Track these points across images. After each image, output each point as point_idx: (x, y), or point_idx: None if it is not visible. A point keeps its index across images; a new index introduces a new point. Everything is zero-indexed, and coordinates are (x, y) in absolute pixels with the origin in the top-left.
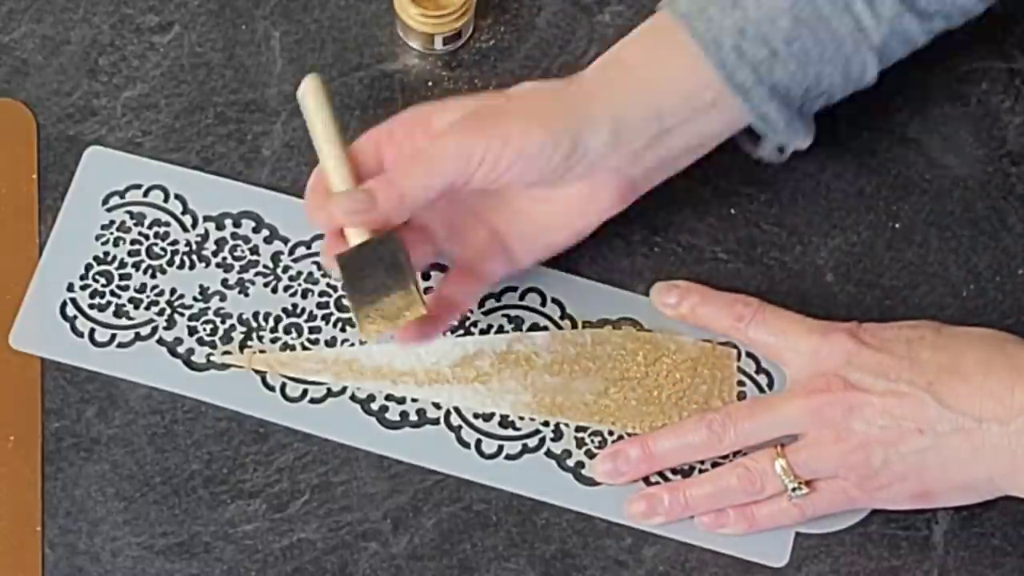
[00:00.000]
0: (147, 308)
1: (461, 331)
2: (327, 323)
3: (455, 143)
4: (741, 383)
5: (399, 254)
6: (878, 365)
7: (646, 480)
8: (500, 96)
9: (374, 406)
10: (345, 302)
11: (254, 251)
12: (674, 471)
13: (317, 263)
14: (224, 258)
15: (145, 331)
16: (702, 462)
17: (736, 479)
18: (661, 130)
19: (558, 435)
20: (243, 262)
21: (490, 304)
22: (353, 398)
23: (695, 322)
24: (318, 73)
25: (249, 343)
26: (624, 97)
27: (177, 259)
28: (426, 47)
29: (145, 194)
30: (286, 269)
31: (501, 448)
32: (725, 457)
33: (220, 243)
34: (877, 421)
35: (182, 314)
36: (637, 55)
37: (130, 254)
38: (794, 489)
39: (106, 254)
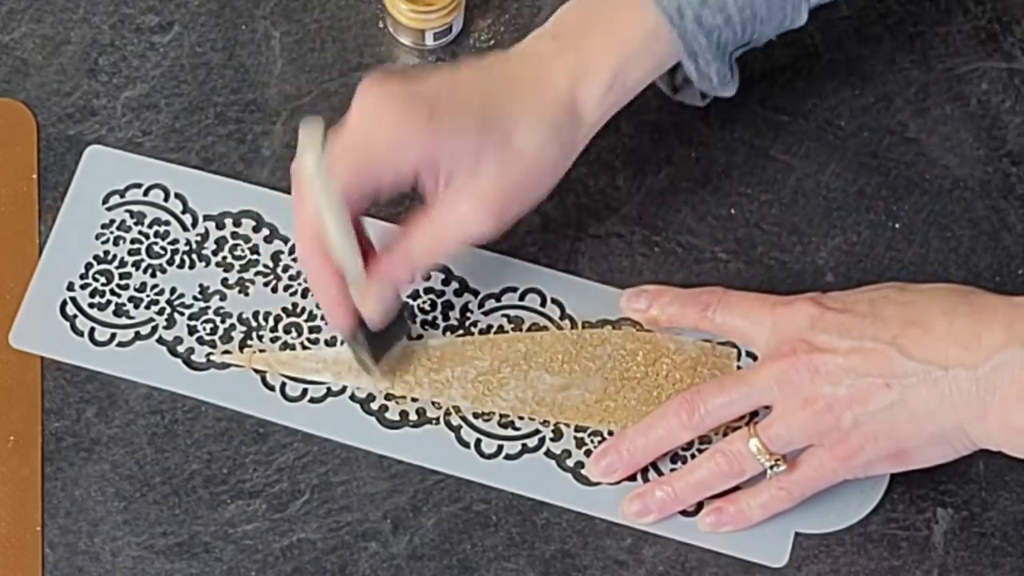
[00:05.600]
0: (147, 307)
1: (461, 331)
2: (327, 322)
3: (470, 212)
4: None
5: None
6: (841, 325)
7: (643, 477)
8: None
9: (374, 406)
10: (362, 358)
11: (254, 250)
12: (673, 460)
13: None
14: (224, 257)
15: (145, 330)
16: (690, 446)
17: (715, 464)
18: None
19: (558, 435)
20: (243, 261)
21: (490, 304)
22: (353, 398)
23: (667, 322)
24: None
25: (249, 342)
26: (599, 58)
27: (177, 258)
28: (416, 43)
29: (145, 193)
30: (286, 268)
31: (501, 448)
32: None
33: (220, 242)
34: (844, 380)
35: (182, 313)
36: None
37: (130, 253)
38: (772, 467)
39: (106, 253)
